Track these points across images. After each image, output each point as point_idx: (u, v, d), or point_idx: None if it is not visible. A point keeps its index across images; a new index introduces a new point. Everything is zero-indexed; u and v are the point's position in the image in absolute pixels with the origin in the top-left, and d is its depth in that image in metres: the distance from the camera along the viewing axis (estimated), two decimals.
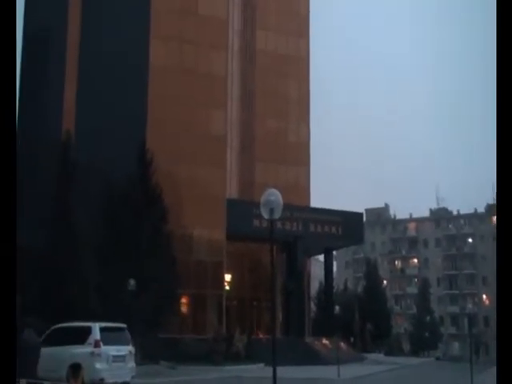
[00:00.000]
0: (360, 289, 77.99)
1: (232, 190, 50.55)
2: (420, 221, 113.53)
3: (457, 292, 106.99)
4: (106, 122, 43.59)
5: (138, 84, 44.94)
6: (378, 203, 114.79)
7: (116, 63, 45.24)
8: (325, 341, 46.80)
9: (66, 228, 36.48)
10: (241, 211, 44.72)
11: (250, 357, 37.76)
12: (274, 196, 13.70)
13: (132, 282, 31.93)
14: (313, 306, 64.80)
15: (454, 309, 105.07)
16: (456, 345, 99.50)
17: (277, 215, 13.69)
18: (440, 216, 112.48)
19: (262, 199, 13.80)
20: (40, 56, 47.91)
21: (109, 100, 44.20)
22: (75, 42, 46.58)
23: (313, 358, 41.41)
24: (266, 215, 13.81)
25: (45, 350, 21.67)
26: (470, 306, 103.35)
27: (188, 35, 47.44)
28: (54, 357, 21.34)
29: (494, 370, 24.05)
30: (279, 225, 41.22)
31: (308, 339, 47.68)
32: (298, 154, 56.33)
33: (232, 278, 47.67)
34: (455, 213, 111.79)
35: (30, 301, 32.09)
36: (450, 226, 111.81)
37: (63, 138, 40.21)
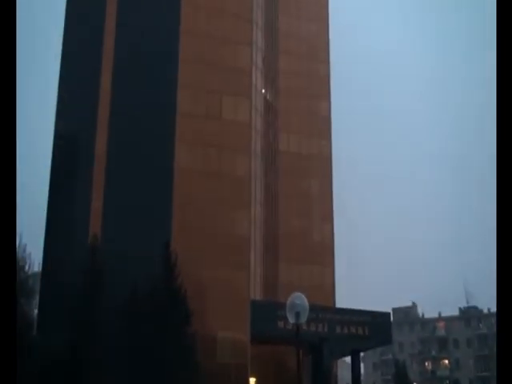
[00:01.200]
0: None
1: (256, 291, 50.23)
2: (449, 320, 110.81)
3: None
4: (132, 224, 44.21)
5: (163, 187, 45.87)
6: (405, 302, 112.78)
7: (141, 167, 46.39)
8: None
9: (89, 330, 36.39)
10: (265, 312, 44.28)
11: None
12: (300, 300, 13.76)
13: None
14: None
15: None
16: None
17: (303, 319, 13.70)
18: (470, 314, 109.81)
19: (288, 303, 13.86)
20: (69, 159, 49.14)
21: (134, 203, 44.96)
22: (103, 145, 47.89)
23: None
24: (291, 319, 13.83)
25: None
26: None
27: (212, 139, 48.74)
28: None
29: None
30: (304, 326, 40.58)
31: None
32: (322, 254, 56.24)
33: (256, 382, 46.55)
34: (486, 311, 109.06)
35: None
36: (480, 324, 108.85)
37: (90, 241, 40.88)
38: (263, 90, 56.86)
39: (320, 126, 60.04)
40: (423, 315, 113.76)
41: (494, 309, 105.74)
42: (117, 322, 37.07)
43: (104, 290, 37.72)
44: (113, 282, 38.63)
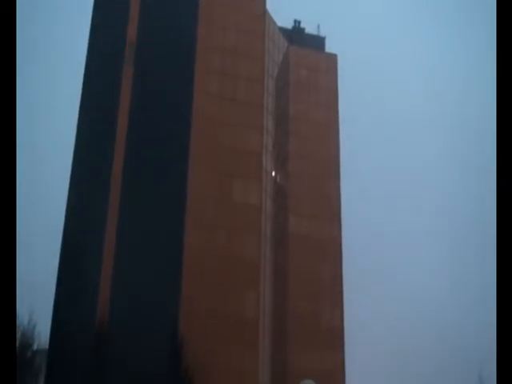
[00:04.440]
0: None
1: (265, 378, 49.06)
2: None
3: None
4: (139, 313, 43.33)
5: (173, 266, 45.46)
6: None
7: (151, 244, 45.96)
8: None
9: None
10: None
11: None
12: None
13: None
14: None
15: None
16: None
17: None
18: None
19: None
20: (78, 251, 48.34)
21: (142, 292, 44.18)
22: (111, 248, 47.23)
23: None
24: None
25: None
26: None
27: (222, 221, 48.63)
28: None
29: None
30: None
31: None
32: (331, 338, 55.06)
33: None
34: None
35: None
36: None
37: (97, 329, 40.35)
38: (273, 173, 57.34)
39: (330, 209, 59.99)
40: None
41: None
42: None
43: (108, 377, 37.04)
44: (117, 371, 37.90)
